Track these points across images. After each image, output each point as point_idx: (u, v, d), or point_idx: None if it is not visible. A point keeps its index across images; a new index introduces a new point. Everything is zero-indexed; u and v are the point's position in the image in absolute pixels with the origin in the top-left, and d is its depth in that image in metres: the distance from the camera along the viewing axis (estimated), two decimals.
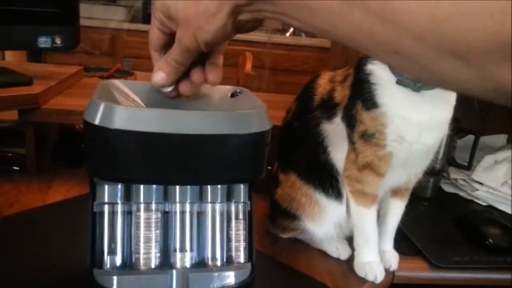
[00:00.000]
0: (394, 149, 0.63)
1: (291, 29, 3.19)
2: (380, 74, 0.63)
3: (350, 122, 0.66)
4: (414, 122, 0.61)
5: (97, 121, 0.46)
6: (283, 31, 3.21)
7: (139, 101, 0.58)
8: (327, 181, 0.71)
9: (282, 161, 0.76)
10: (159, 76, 0.50)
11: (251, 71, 1.79)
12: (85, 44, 2.69)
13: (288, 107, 0.78)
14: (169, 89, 0.53)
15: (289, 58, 2.93)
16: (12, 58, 1.57)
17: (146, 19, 2.95)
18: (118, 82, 0.58)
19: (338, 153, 0.69)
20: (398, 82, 0.61)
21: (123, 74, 1.63)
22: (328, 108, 0.69)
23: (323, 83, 0.72)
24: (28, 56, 1.89)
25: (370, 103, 0.63)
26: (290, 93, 1.23)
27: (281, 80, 2.90)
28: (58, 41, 0.97)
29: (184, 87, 0.53)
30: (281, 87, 2.86)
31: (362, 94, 0.64)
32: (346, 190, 0.69)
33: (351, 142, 0.66)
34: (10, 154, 1.00)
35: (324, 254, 0.75)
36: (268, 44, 2.87)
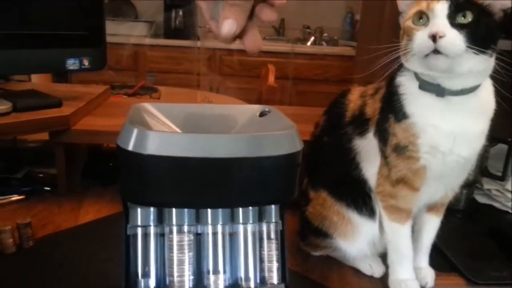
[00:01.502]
0: (427, 162, 0.62)
1: (312, 38, 3.19)
2: (408, 84, 0.63)
3: (383, 136, 0.65)
4: (445, 131, 0.60)
5: (130, 147, 0.47)
6: (304, 40, 3.21)
7: (169, 123, 0.59)
8: (359, 198, 0.69)
9: (312, 177, 0.75)
10: (227, 23, 0.46)
11: (274, 83, 1.79)
12: (109, 61, 2.74)
13: (315, 121, 0.78)
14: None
15: (311, 67, 2.92)
16: (38, 78, 1.61)
17: (167, 34, 3.00)
18: (149, 106, 0.59)
19: (371, 168, 0.68)
20: (421, 87, 0.61)
21: (148, 90, 1.66)
22: (360, 123, 0.68)
23: (354, 99, 0.71)
24: (53, 75, 1.93)
25: (401, 114, 0.62)
26: (313, 103, 1.22)
27: (303, 89, 2.90)
28: (86, 62, 0.99)
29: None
30: (303, 97, 2.86)
31: (393, 106, 0.63)
32: (379, 206, 0.68)
33: (384, 156, 0.65)
34: (41, 175, 1.02)
35: (357, 271, 0.74)
36: (292, 54, 2.87)
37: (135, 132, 0.47)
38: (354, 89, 0.73)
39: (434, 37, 0.55)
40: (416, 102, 0.61)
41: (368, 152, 0.68)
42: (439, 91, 0.60)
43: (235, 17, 0.46)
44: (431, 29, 0.56)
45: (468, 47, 0.55)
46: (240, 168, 0.48)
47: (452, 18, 0.56)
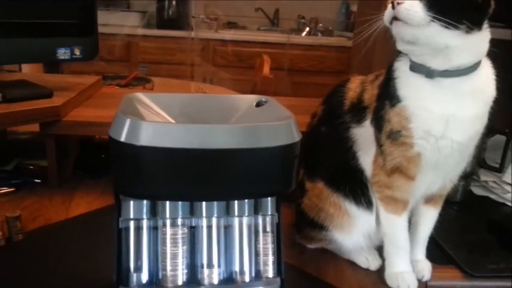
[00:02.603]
0: (422, 148, 0.61)
1: (307, 29, 3.16)
2: (402, 68, 0.62)
3: (379, 123, 0.64)
4: (437, 114, 0.59)
5: (123, 138, 0.45)
6: (298, 31, 3.18)
7: (163, 113, 0.57)
8: (357, 188, 0.68)
9: (308, 168, 0.74)
10: None
11: (269, 73, 1.78)
12: (101, 51, 2.71)
13: (313, 111, 0.76)
14: None
15: (306, 58, 2.90)
16: (29, 69, 1.58)
17: (160, 24, 2.96)
18: (141, 95, 0.57)
19: (367, 158, 0.67)
20: (411, 69, 0.61)
21: (141, 81, 1.64)
22: (358, 111, 0.67)
23: (353, 87, 0.70)
24: (44, 65, 1.90)
25: (394, 98, 0.62)
26: (308, 94, 1.20)
27: (298, 80, 2.88)
28: (77, 52, 0.97)
29: None
30: (298, 88, 2.84)
31: (388, 92, 0.63)
32: (375, 197, 0.67)
33: (379, 144, 0.64)
34: (31, 167, 1.00)
35: (353, 264, 0.73)
36: (287, 45, 2.85)
37: (127, 122, 0.46)
38: (354, 78, 0.72)
39: (393, 4, 0.57)
40: (408, 85, 0.61)
41: (365, 140, 0.67)
42: (428, 72, 0.59)
43: None
44: None
45: (431, 17, 0.55)
46: (237, 160, 0.47)
47: None
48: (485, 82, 0.61)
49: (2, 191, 0.90)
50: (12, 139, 1.15)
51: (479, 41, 0.58)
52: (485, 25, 0.59)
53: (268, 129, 0.48)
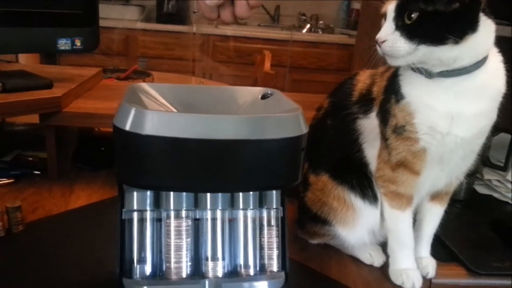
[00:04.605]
0: (427, 144, 0.60)
1: (308, 26, 3.15)
2: (405, 66, 0.62)
3: (384, 117, 0.63)
4: (441, 111, 0.59)
5: (127, 127, 0.44)
6: (299, 27, 3.17)
7: (167, 104, 0.56)
8: (362, 182, 0.68)
9: (313, 161, 0.73)
10: None
11: (270, 70, 1.76)
12: (100, 45, 2.69)
13: (317, 105, 0.75)
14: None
15: (306, 56, 2.89)
16: (26, 61, 1.56)
17: (160, 19, 2.94)
18: (145, 85, 0.56)
19: (372, 151, 0.66)
20: (412, 69, 0.60)
21: (141, 74, 1.62)
22: (366, 102, 0.67)
23: (362, 79, 0.70)
24: (42, 58, 1.88)
25: (399, 94, 0.62)
26: (307, 91, 1.19)
27: (298, 78, 2.87)
28: (78, 43, 0.96)
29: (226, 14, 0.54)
30: (298, 86, 2.83)
31: (394, 87, 0.63)
32: (379, 192, 0.67)
33: (384, 139, 0.64)
34: (30, 159, 0.99)
35: (356, 260, 0.73)
36: (290, 42, 2.83)
37: (132, 111, 0.45)
38: (363, 72, 0.71)
39: (377, 43, 0.59)
40: (410, 82, 0.61)
41: (370, 132, 0.66)
42: (427, 72, 0.59)
43: None
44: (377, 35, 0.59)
45: (416, 44, 0.56)
46: (242, 151, 0.46)
47: (397, 20, 0.57)
48: (492, 78, 0.60)
49: (1, 182, 0.89)
50: (11, 131, 1.14)
51: (478, 41, 0.57)
52: (484, 22, 0.57)
53: (276, 121, 0.47)
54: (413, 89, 0.60)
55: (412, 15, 0.56)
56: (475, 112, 0.60)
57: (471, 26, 0.56)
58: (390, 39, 0.57)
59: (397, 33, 0.57)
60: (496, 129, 0.92)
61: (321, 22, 3.18)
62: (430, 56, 0.57)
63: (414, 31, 0.56)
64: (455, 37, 0.55)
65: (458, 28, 0.56)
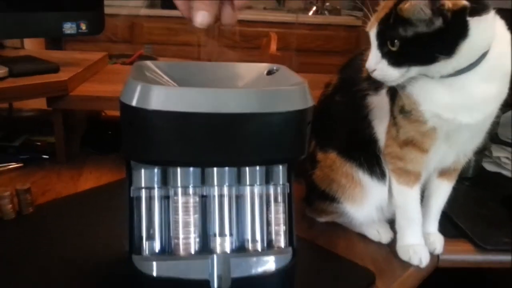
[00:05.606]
0: (436, 124, 0.60)
1: (314, 8, 3.12)
2: None
3: (393, 94, 0.63)
4: (445, 103, 0.58)
5: (134, 103, 0.44)
6: (305, 10, 3.14)
7: (172, 82, 0.56)
8: (370, 158, 0.68)
9: (321, 138, 0.73)
10: (200, 15, 0.48)
11: (276, 51, 1.75)
12: (104, 31, 2.68)
13: (327, 81, 0.75)
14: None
15: (313, 38, 2.86)
16: (31, 47, 1.56)
17: (165, 4, 2.92)
18: (151, 63, 0.56)
19: (382, 127, 0.66)
20: None
21: (147, 59, 1.62)
22: None
23: None
24: (47, 44, 1.89)
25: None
26: (316, 73, 1.18)
27: (304, 61, 2.84)
28: (83, 26, 0.95)
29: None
30: (305, 69, 2.80)
31: None
32: (387, 168, 0.66)
33: (393, 116, 0.63)
34: (38, 143, 1.00)
35: (364, 238, 0.73)
36: (296, 24, 2.80)
37: (139, 87, 0.45)
38: None
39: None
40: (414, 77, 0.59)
41: (381, 109, 0.66)
42: (428, 76, 0.58)
43: (207, 9, 0.48)
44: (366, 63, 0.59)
45: (406, 68, 0.55)
46: (249, 125, 0.46)
47: (382, 47, 0.56)
48: (498, 63, 0.58)
49: (10, 166, 0.90)
50: (19, 117, 1.15)
51: (474, 43, 0.54)
52: (475, 23, 0.53)
53: (281, 94, 0.47)
54: (417, 81, 0.59)
55: (395, 41, 0.54)
56: (484, 98, 0.58)
57: (460, 36, 0.54)
58: (379, 68, 0.57)
59: (384, 61, 0.56)
60: (505, 105, 0.91)
61: (327, 3, 3.15)
62: (426, 72, 0.56)
63: (401, 57, 0.55)
64: (445, 54, 0.54)
65: (446, 45, 0.54)
